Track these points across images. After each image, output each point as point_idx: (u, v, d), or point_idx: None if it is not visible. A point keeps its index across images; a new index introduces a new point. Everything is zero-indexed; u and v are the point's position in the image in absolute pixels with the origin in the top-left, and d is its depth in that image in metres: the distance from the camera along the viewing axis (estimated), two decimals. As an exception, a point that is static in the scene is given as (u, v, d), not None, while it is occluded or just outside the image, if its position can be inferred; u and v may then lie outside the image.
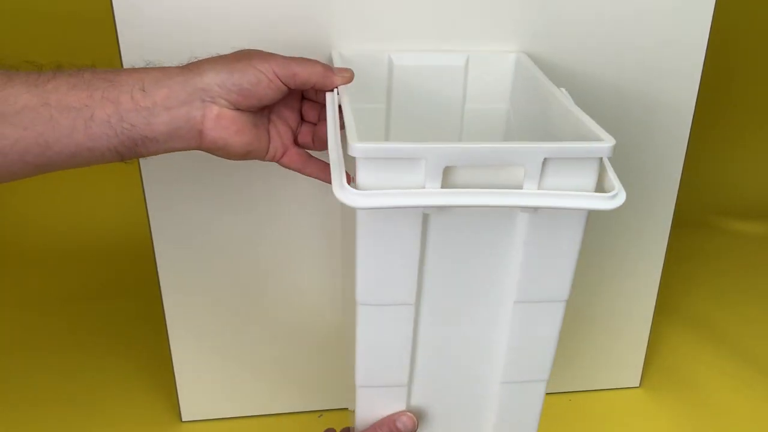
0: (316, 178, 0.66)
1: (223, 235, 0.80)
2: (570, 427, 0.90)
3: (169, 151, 0.57)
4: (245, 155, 0.61)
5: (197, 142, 0.57)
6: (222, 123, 0.57)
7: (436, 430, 0.65)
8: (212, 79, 0.56)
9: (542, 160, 0.52)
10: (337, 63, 0.69)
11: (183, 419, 0.90)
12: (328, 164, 0.54)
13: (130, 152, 0.55)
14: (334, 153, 0.54)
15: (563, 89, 0.65)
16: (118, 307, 1.12)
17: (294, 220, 0.80)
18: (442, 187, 0.52)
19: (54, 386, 0.96)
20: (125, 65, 0.70)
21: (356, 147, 0.50)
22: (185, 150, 0.58)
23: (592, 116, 0.58)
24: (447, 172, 0.52)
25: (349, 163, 0.53)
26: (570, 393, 0.95)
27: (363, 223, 0.54)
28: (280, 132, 0.64)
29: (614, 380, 0.96)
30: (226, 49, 0.61)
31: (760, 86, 1.45)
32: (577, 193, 0.53)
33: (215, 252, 0.81)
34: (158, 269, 0.81)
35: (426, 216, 0.54)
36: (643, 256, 0.89)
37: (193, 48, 0.67)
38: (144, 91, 0.54)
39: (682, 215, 0.96)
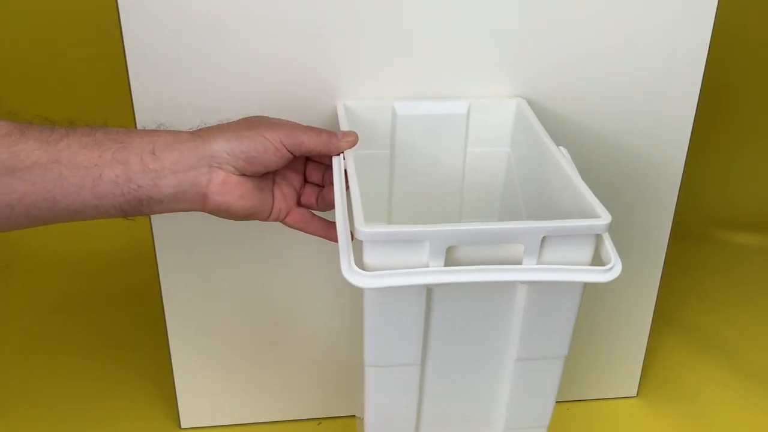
0: (318, 236, 0.67)
1: (226, 246, 0.82)
2: (569, 436, 0.94)
3: (172, 212, 0.59)
4: (248, 216, 0.62)
5: (201, 204, 0.59)
6: (227, 187, 0.59)
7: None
8: (222, 146, 0.58)
9: (541, 237, 0.54)
10: (342, 114, 0.71)
11: (182, 426, 0.93)
12: (332, 223, 0.56)
13: (134, 211, 0.57)
14: (341, 230, 0.56)
15: (562, 148, 0.67)
16: (119, 314, 1.14)
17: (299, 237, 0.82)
18: (446, 264, 0.54)
19: (54, 392, 0.99)
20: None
21: (363, 231, 0.53)
22: (188, 211, 0.60)
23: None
24: (450, 249, 0.54)
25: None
26: (568, 402, 0.99)
27: (370, 299, 0.56)
28: (284, 194, 0.65)
29: (612, 390, 1.00)
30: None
31: (759, 99, 1.46)
32: (574, 268, 0.55)
33: (217, 261, 0.83)
34: (160, 277, 0.83)
35: (430, 289, 0.57)
36: (641, 268, 0.92)
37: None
38: (154, 154, 0.56)
39: (681, 227, 0.98)
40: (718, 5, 0.75)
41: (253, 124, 0.61)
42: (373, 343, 0.59)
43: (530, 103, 0.75)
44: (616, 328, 0.96)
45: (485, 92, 0.76)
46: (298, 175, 0.67)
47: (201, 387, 0.90)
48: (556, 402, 0.97)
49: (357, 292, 0.60)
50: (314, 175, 0.68)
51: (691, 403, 0.99)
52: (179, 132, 0.59)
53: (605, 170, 0.83)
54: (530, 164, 0.71)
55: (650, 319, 0.96)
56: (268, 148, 0.59)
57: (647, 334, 0.97)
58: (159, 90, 0.72)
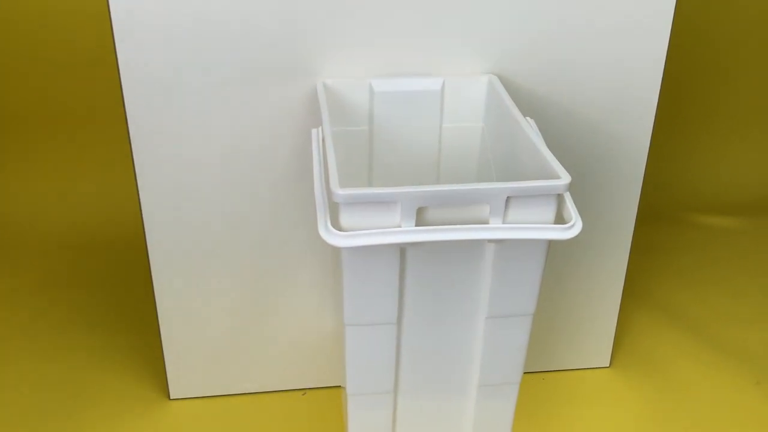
0: None
1: (214, 223, 0.85)
2: (544, 403, 0.97)
3: None
4: None
5: None
6: None
7: (421, 429, 0.73)
8: None
9: (506, 198, 0.58)
10: (321, 91, 0.74)
11: (171, 397, 0.96)
12: None
13: None
14: (319, 196, 0.60)
15: (530, 119, 0.71)
16: (108, 290, 1.18)
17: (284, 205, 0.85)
18: (417, 224, 0.58)
19: (43, 367, 1.02)
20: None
21: (338, 193, 0.56)
22: None
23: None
24: (420, 210, 0.58)
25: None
26: (544, 372, 1.03)
27: (347, 259, 0.60)
28: None
29: (586, 361, 1.04)
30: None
31: (724, 83, 1.51)
32: (537, 226, 0.59)
33: (205, 237, 0.86)
34: (149, 253, 0.86)
35: (403, 249, 0.61)
36: (610, 246, 0.96)
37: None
38: None
39: (651, 210, 1.03)
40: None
41: None
42: (352, 302, 0.63)
43: (501, 79, 0.79)
44: (588, 301, 1.00)
45: (459, 70, 0.79)
46: None
47: (189, 359, 0.94)
48: (532, 372, 1.02)
49: (336, 255, 0.64)
50: None
51: (661, 373, 1.03)
52: None
53: (575, 147, 0.87)
54: (501, 136, 0.75)
55: (620, 293, 1.00)
56: None
57: (618, 308, 1.01)
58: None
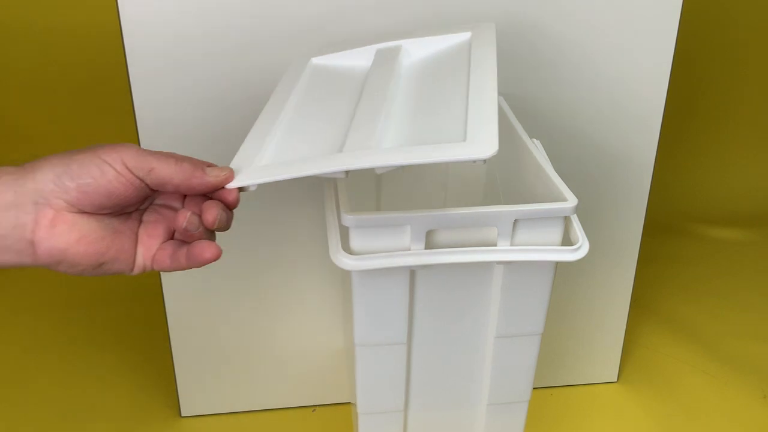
0: (184, 267, 0.51)
1: (223, 238, 0.85)
2: (552, 420, 0.98)
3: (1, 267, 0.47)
4: (99, 267, 0.48)
5: (30, 255, 0.46)
6: (58, 229, 0.46)
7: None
8: (47, 175, 0.45)
9: (513, 221, 0.59)
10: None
11: (182, 414, 0.97)
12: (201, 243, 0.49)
13: None
14: (330, 218, 0.61)
15: (536, 140, 0.72)
16: (119, 307, 1.19)
17: (295, 225, 0.86)
18: (426, 247, 0.59)
19: (56, 384, 1.03)
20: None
21: (348, 218, 0.57)
22: (18, 266, 0.47)
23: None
24: (430, 233, 0.59)
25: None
26: (551, 388, 1.03)
27: (357, 281, 0.61)
28: (153, 236, 0.51)
29: (593, 376, 1.04)
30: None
31: (730, 95, 1.52)
32: (544, 248, 0.60)
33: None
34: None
35: (413, 271, 0.62)
36: (617, 259, 0.97)
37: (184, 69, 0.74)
38: None
39: (658, 222, 1.03)
40: (683, 3, 0.81)
41: (91, 147, 0.47)
42: (362, 323, 0.64)
43: (506, 99, 0.80)
44: (596, 316, 1.00)
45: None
46: (171, 216, 0.52)
47: (200, 376, 0.95)
48: (540, 388, 1.03)
49: (346, 277, 0.64)
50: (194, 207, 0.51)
51: (669, 388, 1.03)
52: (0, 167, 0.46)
53: (580, 161, 0.88)
54: (507, 157, 0.76)
55: (628, 306, 1.00)
56: (106, 173, 0.46)
57: (625, 322, 1.02)
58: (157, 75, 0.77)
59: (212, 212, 0.48)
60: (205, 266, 0.81)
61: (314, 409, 0.98)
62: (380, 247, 0.58)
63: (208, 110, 0.78)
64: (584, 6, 0.79)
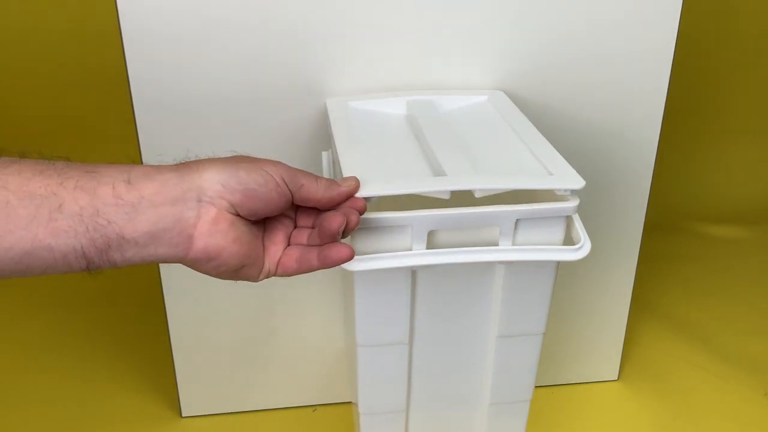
0: (316, 268, 0.55)
1: None
2: (553, 418, 0.98)
3: (148, 261, 0.48)
4: (239, 269, 0.51)
5: (185, 249, 0.49)
6: (219, 227, 0.49)
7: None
8: (214, 176, 0.49)
9: (515, 220, 0.59)
10: (331, 112, 0.75)
11: (183, 414, 0.97)
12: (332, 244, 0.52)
13: (99, 257, 0.45)
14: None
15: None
16: (120, 307, 1.19)
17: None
18: (428, 247, 0.59)
19: (57, 384, 1.03)
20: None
21: (351, 218, 0.57)
22: (167, 261, 0.49)
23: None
24: (431, 234, 0.59)
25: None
26: (552, 386, 1.03)
27: (359, 281, 0.61)
28: (276, 244, 0.54)
29: (594, 374, 1.04)
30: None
31: (732, 92, 1.52)
32: (546, 247, 0.60)
33: None
34: (160, 270, 0.86)
35: (414, 271, 0.62)
36: (618, 258, 0.97)
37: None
38: (129, 183, 0.46)
39: (657, 220, 1.03)
40: (683, 2, 0.81)
41: (248, 157, 0.52)
42: (364, 323, 0.64)
43: (508, 94, 0.80)
44: (596, 314, 1.00)
45: (465, 86, 0.81)
46: (288, 225, 0.56)
47: (201, 377, 0.95)
48: (541, 386, 1.03)
49: (348, 277, 0.64)
50: (305, 220, 0.56)
51: (670, 386, 1.03)
52: (160, 165, 0.50)
53: (581, 160, 0.86)
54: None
55: (628, 305, 1.01)
56: (269, 182, 0.50)
57: (626, 320, 1.02)
58: (158, 82, 0.77)
59: (354, 218, 0.53)
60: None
61: (315, 409, 0.98)
62: (382, 247, 0.58)
63: (208, 109, 0.78)
64: (585, 4, 0.79)
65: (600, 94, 0.84)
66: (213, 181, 0.48)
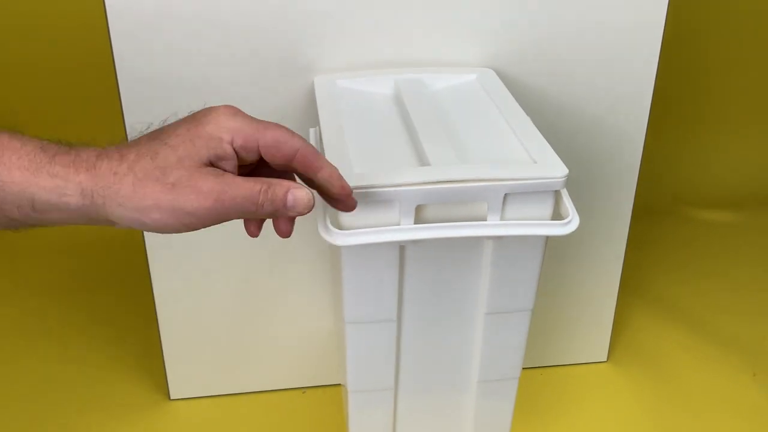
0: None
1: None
2: (542, 399, 0.98)
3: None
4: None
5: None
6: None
7: (421, 426, 0.73)
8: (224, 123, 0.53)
9: (503, 195, 0.59)
10: (318, 88, 0.74)
11: (171, 397, 0.97)
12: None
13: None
14: (318, 195, 0.60)
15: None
16: (107, 291, 1.18)
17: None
18: (416, 222, 0.59)
19: (44, 368, 1.02)
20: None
21: (338, 192, 0.57)
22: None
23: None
24: (419, 208, 0.58)
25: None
26: (542, 368, 1.04)
27: (346, 257, 0.60)
28: None
29: (583, 356, 1.04)
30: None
31: (719, 79, 1.52)
32: (534, 222, 0.60)
33: (203, 237, 0.84)
34: (147, 253, 0.86)
35: (402, 247, 0.61)
36: (607, 241, 0.97)
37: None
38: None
39: (646, 204, 1.03)
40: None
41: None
42: (352, 300, 0.63)
43: (499, 72, 0.80)
44: (585, 296, 1.00)
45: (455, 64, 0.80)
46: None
47: (189, 359, 0.94)
48: (530, 368, 1.03)
49: (336, 253, 0.64)
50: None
51: (659, 367, 1.04)
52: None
53: (569, 142, 0.87)
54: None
55: (617, 287, 1.01)
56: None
57: (615, 301, 1.02)
58: (145, 72, 0.76)
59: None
60: (192, 248, 0.81)
61: (304, 391, 0.98)
62: (369, 222, 0.58)
63: (196, 86, 0.77)
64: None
65: (590, 74, 0.84)
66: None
